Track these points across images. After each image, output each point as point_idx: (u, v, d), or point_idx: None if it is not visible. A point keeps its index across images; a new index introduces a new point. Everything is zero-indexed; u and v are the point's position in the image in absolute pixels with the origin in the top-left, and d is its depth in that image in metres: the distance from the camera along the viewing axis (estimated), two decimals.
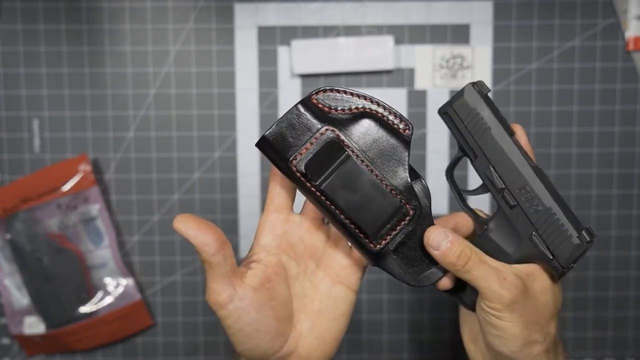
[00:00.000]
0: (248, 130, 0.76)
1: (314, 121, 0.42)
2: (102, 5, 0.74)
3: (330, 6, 0.74)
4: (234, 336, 0.42)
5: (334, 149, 0.42)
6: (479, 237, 0.47)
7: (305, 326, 0.45)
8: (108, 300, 0.76)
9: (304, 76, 0.75)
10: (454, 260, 0.43)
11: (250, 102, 0.75)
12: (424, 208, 0.43)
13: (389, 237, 0.43)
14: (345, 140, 0.42)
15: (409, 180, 0.43)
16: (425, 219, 0.44)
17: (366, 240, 0.42)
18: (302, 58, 0.74)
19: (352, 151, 0.42)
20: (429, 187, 0.45)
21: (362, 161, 0.42)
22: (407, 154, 0.43)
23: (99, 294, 0.76)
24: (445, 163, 0.76)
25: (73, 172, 0.74)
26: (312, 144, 0.42)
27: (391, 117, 0.43)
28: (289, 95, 0.75)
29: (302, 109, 0.42)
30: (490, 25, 0.75)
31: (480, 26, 0.75)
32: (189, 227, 0.40)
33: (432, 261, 0.44)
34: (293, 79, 0.75)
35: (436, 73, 0.75)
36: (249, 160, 0.76)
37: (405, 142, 0.43)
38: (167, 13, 0.75)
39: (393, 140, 0.43)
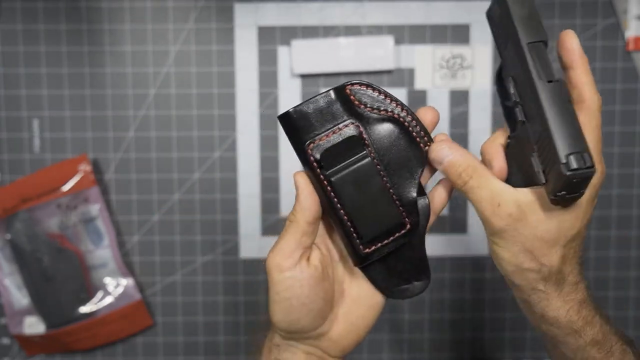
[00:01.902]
0: (248, 130, 0.76)
1: (342, 111, 0.42)
2: (102, 5, 0.74)
3: (330, 6, 0.74)
4: (278, 304, 0.42)
5: (354, 145, 0.41)
6: (509, 150, 0.43)
7: (341, 311, 0.45)
8: (108, 300, 0.76)
9: (304, 76, 0.75)
10: (455, 178, 0.42)
11: (250, 102, 0.75)
12: (420, 227, 0.43)
13: (380, 244, 0.42)
14: (367, 139, 0.42)
15: (415, 195, 0.42)
16: (417, 236, 0.43)
17: (358, 241, 0.42)
18: (302, 58, 0.74)
19: (371, 152, 0.42)
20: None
21: (377, 164, 0.42)
22: (420, 169, 0.42)
23: (99, 294, 0.76)
24: None
25: (73, 172, 0.74)
26: (334, 133, 0.42)
27: (417, 130, 0.43)
28: (289, 95, 0.75)
29: (333, 96, 0.42)
30: None
31: (480, 26, 0.75)
32: (306, 185, 0.42)
33: (412, 278, 0.44)
34: (293, 79, 0.75)
35: (436, 73, 0.75)
36: (249, 160, 0.76)
37: (423, 157, 0.43)
38: (167, 13, 0.74)
39: (411, 153, 0.42)
